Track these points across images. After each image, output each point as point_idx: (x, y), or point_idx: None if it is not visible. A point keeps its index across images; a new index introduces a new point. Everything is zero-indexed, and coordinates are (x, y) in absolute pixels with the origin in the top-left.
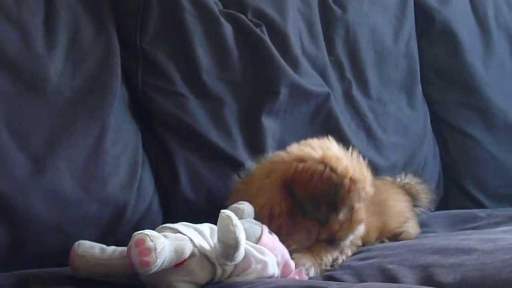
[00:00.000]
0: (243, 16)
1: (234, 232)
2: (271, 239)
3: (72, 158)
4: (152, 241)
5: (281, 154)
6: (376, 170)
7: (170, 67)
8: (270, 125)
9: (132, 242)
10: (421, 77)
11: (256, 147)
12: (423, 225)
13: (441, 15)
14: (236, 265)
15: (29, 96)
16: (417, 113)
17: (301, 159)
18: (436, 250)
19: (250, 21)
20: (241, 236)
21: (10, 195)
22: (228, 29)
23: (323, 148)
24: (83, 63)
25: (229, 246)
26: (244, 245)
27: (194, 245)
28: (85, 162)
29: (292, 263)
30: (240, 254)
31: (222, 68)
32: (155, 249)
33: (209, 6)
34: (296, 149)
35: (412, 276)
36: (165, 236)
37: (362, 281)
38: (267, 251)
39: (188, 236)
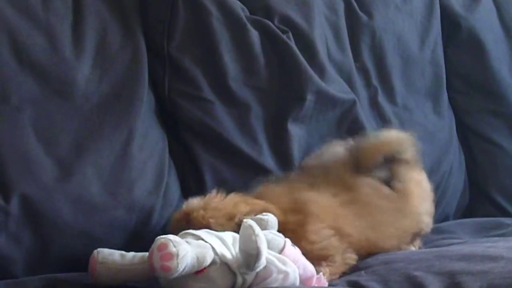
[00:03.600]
0: (269, 23)
1: (256, 242)
2: (293, 251)
3: (99, 163)
4: (175, 246)
5: None
6: None
7: (197, 73)
8: (296, 131)
9: (154, 246)
10: (447, 84)
11: (282, 154)
12: (448, 232)
13: (467, 22)
14: (257, 274)
15: (56, 101)
16: (443, 121)
17: None
18: (462, 257)
19: (277, 27)
20: (263, 246)
21: (37, 199)
22: (255, 35)
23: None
24: (111, 68)
25: (250, 256)
26: (266, 255)
27: (216, 253)
28: (112, 167)
29: (315, 279)
30: (261, 263)
31: (248, 74)
32: (177, 255)
33: (236, 12)
34: None
35: (438, 283)
36: (187, 242)
37: (388, 287)
38: (289, 261)
39: (210, 244)
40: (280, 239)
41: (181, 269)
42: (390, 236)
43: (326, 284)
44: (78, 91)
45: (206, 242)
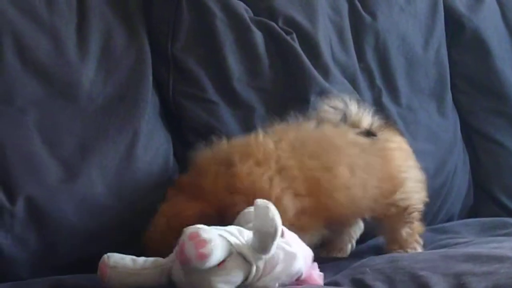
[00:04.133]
0: (273, 24)
1: (273, 220)
2: (292, 234)
3: (103, 164)
4: (206, 233)
5: None
6: None
7: (201, 74)
8: None
9: (185, 236)
10: (451, 85)
11: None
12: (453, 232)
13: (471, 22)
14: (266, 263)
15: (61, 103)
16: (447, 121)
17: None
18: (468, 257)
19: (281, 28)
20: (280, 224)
21: (41, 201)
22: (259, 37)
23: None
24: (115, 70)
25: (268, 235)
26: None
27: (230, 243)
28: (117, 168)
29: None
30: (275, 244)
31: (252, 76)
32: (211, 241)
33: (240, 14)
34: None
35: (444, 284)
36: None
37: (393, 287)
38: (294, 242)
39: (222, 235)
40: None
41: (216, 257)
42: (357, 193)
43: (321, 274)
44: (82, 93)
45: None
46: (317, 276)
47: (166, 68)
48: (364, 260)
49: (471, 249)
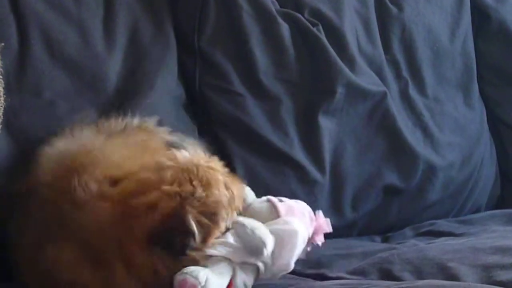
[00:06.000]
0: (300, 15)
1: (257, 235)
2: (285, 206)
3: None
4: (193, 277)
5: None
6: (434, 170)
7: (228, 67)
8: (326, 124)
9: (175, 286)
10: (477, 76)
11: (313, 147)
12: (480, 223)
13: (498, 13)
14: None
15: (89, 96)
16: (473, 112)
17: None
18: (496, 250)
19: (307, 20)
20: (262, 230)
21: None
22: (285, 29)
23: None
24: (142, 63)
25: (258, 248)
26: (268, 234)
27: (230, 262)
28: None
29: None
30: (270, 246)
31: (279, 68)
32: (200, 283)
33: (266, 6)
34: None
35: (473, 276)
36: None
37: (421, 278)
38: (289, 219)
39: (223, 257)
40: (266, 204)
41: None
42: None
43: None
44: (110, 85)
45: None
46: (324, 224)
47: (193, 61)
48: (392, 250)
49: (499, 241)
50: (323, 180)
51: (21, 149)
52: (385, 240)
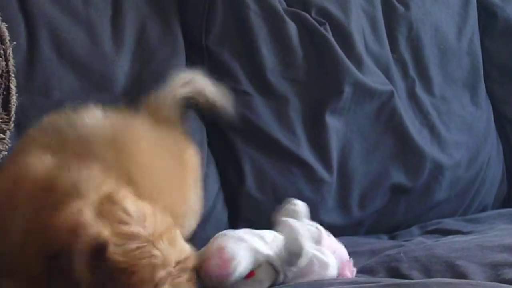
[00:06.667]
0: (307, 15)
1: (300, 242)
2: (329, 241)
3: None
4: (231, 250)
5: None
6: (441, 169)
7: (235, 66)
8: (334, 123)
9: (210, 251)
10: (484, 75)
11: (320, 146)
12: (487, 222)
13: (504, 12)
14: (298, 271)
15: (96, 96)
16: (480, 111)
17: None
18: (504, 248)
19: (314, 19)
20: (307, 244)
21: None
22: (292, 28)
23: None
24: (150, 63)
25: (294, 255)
26: (309, 251)
27: (261, 254)
28: None
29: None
30: (304, 261)
31: (286, 67)
32: (234, 259)
33: (273, 5)
34: None
35: (481, 274)
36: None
37: (429, 277)
38: (328, 252)
39: (250, 242)
40: (316, 230)
41: (239, 273)
42: None
43: (354, 269)
44: (117, 85)
45: (246, 241)
46: (349, 273)
47: (200, 61)
48: (399, 248)
49: (507, 239)
50: (331, 179)
51: None
52: (392, 238)
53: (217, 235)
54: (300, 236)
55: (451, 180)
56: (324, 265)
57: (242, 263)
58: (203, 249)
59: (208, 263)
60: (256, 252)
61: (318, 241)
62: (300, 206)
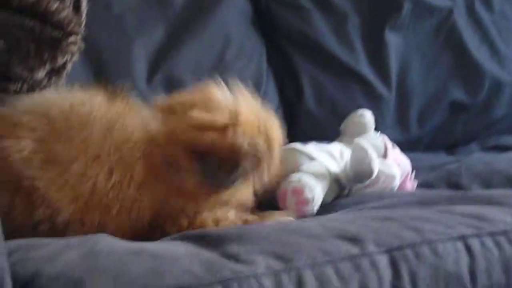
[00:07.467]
0: None
1: (369, 164)
2: (394, 154)
3: (195, 71)
4: (310, 192)
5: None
6: (500, 85)
7: None
8: (393, 40)
9: (288, 188)
10: None
11: (379, 62)
12: None
13: None
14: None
15: (156, 11)
16: None
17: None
18: None
19: None
20: (376, 166)
21: None
22: None
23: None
24: None
25: (364, 176)
26: (377, 169)
27: (328, 169)
28: (208, 75)
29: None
30: (371, 179)
31: None
32: (313, 200)
33: None
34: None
35: None
36: (309, 174)
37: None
38: (394, 165)
39: (320, 160)
40: (380, 143)
41: (314, 208)
42: None
43: (415, 181)
44: (177, 0)
45: (316, 159)
46: (410, 185)
47: None
48: (459, 163)
49: None
50: (390, 95)
51: (90, 60)
52: (451, 154)
53: (286, 146)
54: (369, 159)
55: (511, 97)
56: (391, 177)
57: (319, 200)
58: None
59: (285, 196)
60: (326, 171)
61: (384, 155)
62: (368, 118)
